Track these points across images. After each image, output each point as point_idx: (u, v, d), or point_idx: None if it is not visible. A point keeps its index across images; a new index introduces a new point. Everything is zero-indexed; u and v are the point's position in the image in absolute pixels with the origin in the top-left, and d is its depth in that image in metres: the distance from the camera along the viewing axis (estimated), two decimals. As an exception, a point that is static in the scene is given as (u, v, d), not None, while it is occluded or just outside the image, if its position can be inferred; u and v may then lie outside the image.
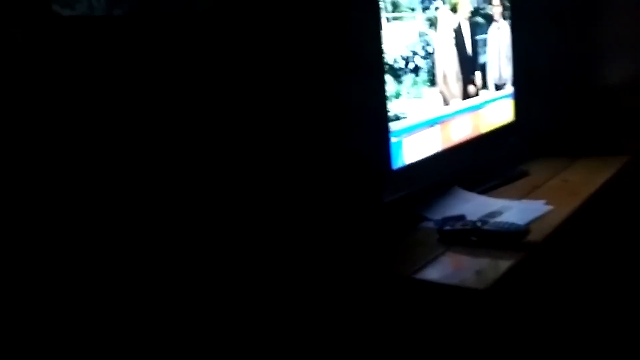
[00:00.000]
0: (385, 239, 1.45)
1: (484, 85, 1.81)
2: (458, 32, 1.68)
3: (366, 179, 1.44)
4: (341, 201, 1.41)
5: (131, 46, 1.05)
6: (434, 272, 1.30)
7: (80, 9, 0.99)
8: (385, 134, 1.44)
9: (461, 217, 1.45)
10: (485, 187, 1.71)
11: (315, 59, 1.35)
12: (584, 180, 1.73)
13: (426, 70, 1.54)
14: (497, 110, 1.87)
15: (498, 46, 1.87)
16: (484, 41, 1.80)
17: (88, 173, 1.01)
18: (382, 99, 1.43)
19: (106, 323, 1.04)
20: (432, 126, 1.58)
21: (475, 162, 1.78)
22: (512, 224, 1.37)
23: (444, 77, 1.61)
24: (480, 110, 1.79)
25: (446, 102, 1.63)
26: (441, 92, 1.61)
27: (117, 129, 1.04)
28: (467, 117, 1.73)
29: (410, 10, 1.50)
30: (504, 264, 1.26)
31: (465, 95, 1.72)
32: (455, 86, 1.67)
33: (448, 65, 1.63)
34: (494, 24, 1.84)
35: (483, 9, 1.79)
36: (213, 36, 1.16)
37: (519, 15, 1.93)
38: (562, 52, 2.04)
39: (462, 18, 1.69)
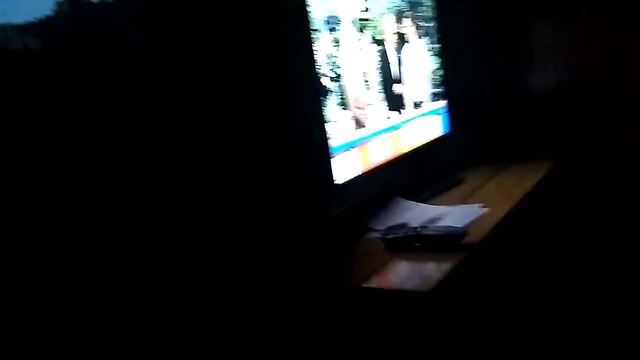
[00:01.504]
0: (333, 251, 1.50)
1: (403, 105, 1.82)
2: (382, 53, 1.71)
3: (311, 194, 1.49)
4: (289, 217, 1.45)
5: (65, 77, 1.06)
6: (381, 280, 1.35)
7: (15, 48, 1.00)
8: (326, 150, 1.49)
9: (404, 225, 1.51)
10: (424, 195, 1.78)
11: (255, 83, 1.39)
12: (517, 183, 1.82)
13: (337, 93, 1.53)
14: (421, 127, 1.90)
15: (413, 65, 1.87)
16: (400, 61, 1.80)
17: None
18: (320, 117, 1.49)
19: (103, 322, 1.05)
20: (349, 150, 1.57)
21: (413, 174, 1.85)
22: (451, 227, 1.44)
23: (355, 99, 1.60)
24: (401, 130, 1.80)
25: (360, 125, 1.62)
26: (354, 116, 1.60)
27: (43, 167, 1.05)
28: (386, 138, 1.72)
29: (315, 32, 1.48)
30: (446, 266, 1.32)
31: (388, 114, 1.74)
32: (373, 108, 1.67)
33: (359, 87, 1.62)
34: (406, 44, 1.84)
35: (396, 29, 1.79)
36: (149, 67, 1.19)
37: (445, 32, 2.01)
38: (488, 64, 2.14)
39: (386, 39, 1.73)
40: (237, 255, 1.32)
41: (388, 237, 1.47)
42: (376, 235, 1.53)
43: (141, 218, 1.16)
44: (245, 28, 1.36)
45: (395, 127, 1.78)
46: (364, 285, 1.32)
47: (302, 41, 1.46)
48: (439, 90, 2.00)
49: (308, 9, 1.46)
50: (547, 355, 1.83)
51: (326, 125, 1.50)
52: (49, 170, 1.03)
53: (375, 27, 1.69)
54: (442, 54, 2.00)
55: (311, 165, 1.49)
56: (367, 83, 1.65)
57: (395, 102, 1.78)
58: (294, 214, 1.45)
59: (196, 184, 1.26)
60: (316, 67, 1.48)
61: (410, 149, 1.83)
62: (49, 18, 1.01)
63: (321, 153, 1.50)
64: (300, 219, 1.47)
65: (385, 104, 1.73)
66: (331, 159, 1.52)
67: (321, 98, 1.49)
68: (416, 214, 1.64)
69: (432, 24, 1.96)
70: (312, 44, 1.47)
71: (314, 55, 1.47)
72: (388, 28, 1.75)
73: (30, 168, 1.00)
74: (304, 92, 1.47)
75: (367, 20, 1.65)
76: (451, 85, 2.04)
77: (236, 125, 1.35)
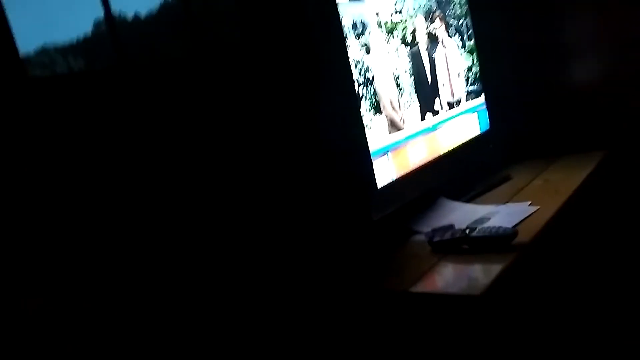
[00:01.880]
0: (378, 255, 1.48)
1: (438, 106, 1.78)
2: (414, 54, 1.68)
3: (353, 198, 1.47)
4: (332, 222, 1.44)
5: (112, 97, 1.07)
6: (429, 284, 1.33)
7: (60, 70, 1.02)
8: (366, 154, 1.48)
9: (450, 227, 1.48)
10: (470, 195, 1.75)
11: (294, 91, 1.39)
12: (565, 178, 1.77)
13: (368, 98, 1.50)
14: (457, 127, 1.85)
15: (446, 65, 1.84)
16: (434, 62, 1.77)
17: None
18: (359, 121, 1.48)
19: (105, 322, 1.05)
20: (385, 154, 1.55)
21: (455, 174, 1.81)
22: (500, 227, 1.40)
23: (390, 102, 1.57)
24: (437, 131, 1.76)
25: (395, 128, 1.59)
26: (388, 119, 1.57)
27: (104, 178, 1.06)
28: (422, 140, 1.69)
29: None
30: (496, 268, 1.28)
31: (424, 116, 1.71)
32: (407, 110, 1.64)
33: (392, 90, 1.59)
34: (438, 44, 1.81)
35: (427, 28, 1.76)
36: (188, 81, 1.19)
37: (478, 28, 1.97)
38: (529, 56, 2.09)
39: (417, 40, 1.70)
40: (282, 263, 1.32)
41: (435, 239, 1.44)
42: (422, 237, 1.51)
43: (183, 226, 1.17)
44: (279, 37, 1.36)
45: (431, 129, 1.74)
46: (412, 290, 1.30)
47: (335, 46, 1.45)
48: (474, 88, 1.95)
49: (339, 14, 1.45)
50: (601, 356, 1.77)
51: (365, 132, 1.48)
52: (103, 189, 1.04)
53: (405, 28, 1.66)
54: (478, 50, 1.96)
55: (353, 170, 1.47)
56: (399, 86, 1.62)
57: (430, 103, 1.74)
58: (337, 220, 1.44)
59: (243, 189, 1.26)
60: (351, 71, 1.46)
61: (449, 150, 1.79)
62: (87, 39, 1.02)
63: (362, 157, 1.48)
64: (343, 225, 1.46)
65: (419, 105, 1.69)
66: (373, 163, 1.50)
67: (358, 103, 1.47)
68: (462, 214, 1.61)
69: (462, 21, 1.92)
70: (346, 49, 1.46)
71: (349, 60, 1.46)
72: (418, 29, 1.73)
73: (77, 185, 1.02)
74: (341, 97, 1.46)
75: (396, 22, 1.63)
76: (488, 82, 2.00)
77: (278, 133, 1.35)
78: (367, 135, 1.49)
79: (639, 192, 2.02)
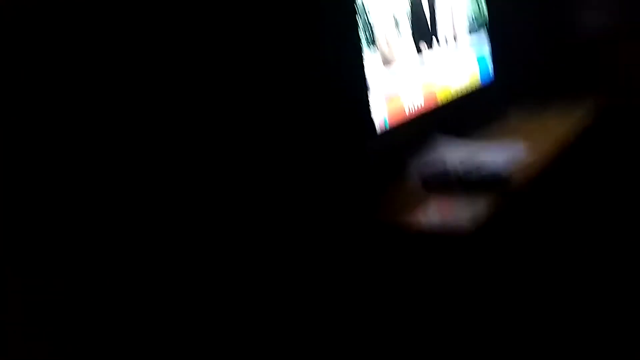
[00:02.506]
0: (372, 188, 1.50)
1: (437, 40, 1.73)
2: None
3: (352, 132, 1.47)
4: (329, 154, 1.45)
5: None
6: (419, 218, 1.35)
7: None
8: (365, 90, 1.46)
9: (443, 164, 1.49)
10: (465, 133, 1.75)
11: (296, 21, 1.36)
12: (560, 120, 1.78)
13: (363, 29, 1.44)
14: (456, 66, 1.81)
15: (450, 3, 1.77)
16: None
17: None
18: (359, 52, 1.45)
19: (106, 322, 1.07)
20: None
21: (454, 114, 1.81)
22: (492, 168, 1.42)
23: (385, 36, 1.52)
24: (432, 72, 1.70)
25: (389, 62, 1.54)
26: (382, 53, 1.51)
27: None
28: (417, 83, 1.64)
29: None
30: (488, 207, 1.31)
31: (419, 50, 1.65)
32: (402, 45, 1.58)
33: (389, 24, 1.53)
34: None
35: None
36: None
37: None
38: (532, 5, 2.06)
39: None
40: (277, 191, 1.33)
41: (428, 176, 1.45)
42: (415, 174, 1.52)
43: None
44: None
45: (426, 64, 1.69)
46: (401, 222, 1.32)
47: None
48: (476, 31, 1.89)
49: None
50: (585, 306, 1.82)
51: (364, 64, 1.45)
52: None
53: None
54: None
55: (352, 103, 1.46)
56: (396, 21, 1.56)
57: (427, 38, 1.68)
58: (334, 153, 1.45)
59: (246, 118, 1.26)
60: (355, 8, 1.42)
61: (446, 91, 1.76)
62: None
63: (360, 91, 1.47)
64: (341, 157, 1.46)
65: (414, 39, 1.63)
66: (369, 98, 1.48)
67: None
68: (456, 152, 1.61)
69: None
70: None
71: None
72: None
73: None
74: (344, 29, 1.43)
75: None
76: (495, 29, 1.95)
77: (278, 63, 1.33)
78: (365, 65, 1.45)
79: (633, 139, 2.03)
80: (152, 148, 1.11)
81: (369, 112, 1.47)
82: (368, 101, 1.47)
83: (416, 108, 1.63)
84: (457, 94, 1.80)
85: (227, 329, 1.24)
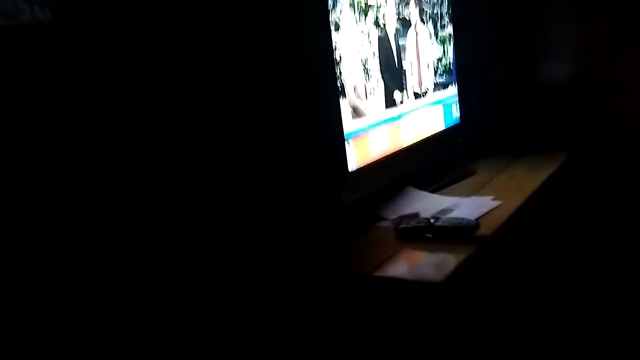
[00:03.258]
0: (344, 238, 1.50)
1: (404, 95, 1.74)
2: (384, 39, 1.63)
3: (325, 180, 1.49)
4: (301, 202, 1.45)
5: (77, 52, 1.05)
6: (393, 269, 1.36)
7: (24, 19, 0.99)
8: (341, 136, 1.49)
9: (416, 215, 1.51)
10: (436, 186, 1.78)
11: (270, 65, 1.38)
12: (529, 175, 1.82)
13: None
14: (424, 118, 1.83)
15: (416, 52, 1.79)
16: (403, 47, 1.72)
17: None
18: (335, 101, 1.47)
19: (104, 322, 1.05)
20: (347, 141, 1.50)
21: (424, 164, 1.84)
22: (463, 219, 1.44)
23: (355, 87, 1.52)
24: (402, 121, 1.73)
25: (358, 115, 1.54)
26: (352, 105, 1.51)
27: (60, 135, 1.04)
28: (385, 130, 1.65)
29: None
30: (458, 257, 1.32)
31: (389, 104, 1.66)
32: (372, 97, 1.59)
33: (359, 75, 1.54)
34: (411, 29, 1.76)
35: (399, 12, 1.70)
36: (157, 46, 1.17)
37: (459, 19, 1.98)
38: (502, 53, 2.14)
39: (387, 21, 1.64)
40: (247, 240, 1.33)
41: (400, 226, 1.47)
42: (388, 224, 1.53)
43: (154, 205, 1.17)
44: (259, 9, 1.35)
45: (395, 119, 1.71)
46: (375, 273, 1.32)
47: (317, 22, 1.44)
48: (443, 79, 1.95)
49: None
50: (558, 351, 1.83)
51: (340, 113, 1.48)
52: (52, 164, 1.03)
53: (378, 10, 1.61)
54: (455, 41, 1.97)
55: (325, 152, 1.49)
56: (367, 71, 1.58)
57: (396, 92, 1.72)
58: (307, 200, 1.46)
59: (213, 167, 1.26)
60: (333, 50, 1.44)
61: (415, 141, 1.79)
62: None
63: (336, 139, 1.49)
64: (313, 205, 1.47)
65: (384, 93, 1.66)
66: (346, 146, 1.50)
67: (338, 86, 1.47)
68: (428, 204, 1.64)
69: (437, 10, 1.89)
70: (328, 25, 1.43)
71: (331, 38, 1.44)
72: (389, 11, 1.67)
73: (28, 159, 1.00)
74: (318, 74, 1.46)
75: (370, 4, 1.58)
76: (463, 73, 2.02)
77: (250, 109, 1.34)
78: (342, 116, 1.48)
79: (600, 192, 2.09)
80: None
81: (342, 154, 1.49)
82: (342, 143, 1.49)
83: (383, 152, 1.65)
84: (425, 139, 1.83)
85: None
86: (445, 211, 1.56)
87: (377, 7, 1.62)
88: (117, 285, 1.08)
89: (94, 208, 1.05)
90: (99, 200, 1.06)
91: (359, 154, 1.55)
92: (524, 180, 1.77)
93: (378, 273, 1.32)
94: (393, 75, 1.70)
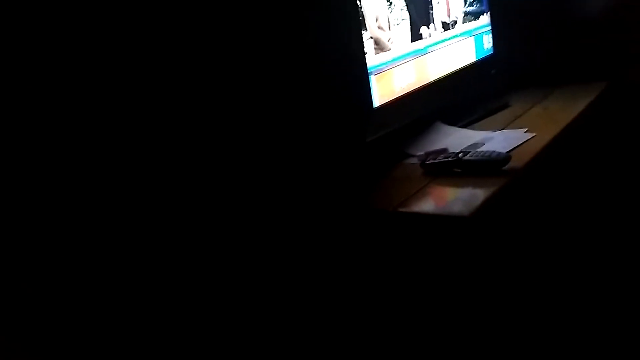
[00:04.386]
0: (370, 176, 1.47)
1: (431, 25, 1.66)
2: None
3: (348, 117, 1.45)
4: (325, 140, 1.42)
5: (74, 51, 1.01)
6: (418, 204, 1.32)
7: None
8: (363, 70, 1.43)
9: (444, 150, 1.46)
10: (467, 120, 1.72)
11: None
12: (563, 107, 1.74)
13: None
14: (453, 51, 1.75)
15: None
16: None
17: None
18: (357, 32, 1.41)
19: (103, 322, 1.05)
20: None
21: (455, 98, 1.78)
22: (494, 152, 1.38)
23: (377, 19, 1.45)
24: (427, 55, 1.64)
25: (381, 49, 1.48)
26: (373, 37, 1.45)
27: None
28: (410, 63, 1.58)
29: None
30: (487, 191, 1.27)
31: (415, 37, 1.59)
32: (396, 28, 1.52)
33: (381, 4, 1.47)
34: None
35: None
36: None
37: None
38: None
39: None
40: (271, 183, 1.31)
41: (427, 161, 1.42)
42: (415, 160, 1.49)
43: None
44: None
45: (422, 51, 1.63)
46: (401, 209, 1.29)
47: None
48: (473, 8, 1.84)
49: None
50: (584, 298, 1.79)
51: (364, 46, 1.42)
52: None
53: None
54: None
55: (347, 87, 1.44)
56: (390, 1, 1.51)
57: (423, 22, 1.63)
58: (330, 136, 1.42)
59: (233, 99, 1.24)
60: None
61: (444, 75, 1.71)
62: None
63: (358, 74, 1.44)
64: (336, 142, 1.44)
65: (409, 24, 1.58)
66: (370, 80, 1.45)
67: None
68: (457, 139, 1.58)
69: None
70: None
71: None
72: None
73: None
74: (338, 4, 1.40)
75: None
76: (496, 6, 1.92)
77: (268, 45, 1.30)
78: (364, 48, 1.42)
79: (637, 126, 2.00)
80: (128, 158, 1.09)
81: (366, 89, 1.43)
82: (365, 78, 1.43)
83: (408, 87, 1.59)
84: (454, 72, 1.75)
85: (223, 324, 1.21)
86: (475, 145, 1.51)
87: None
88: (116, 278, 1.07)
89: (90, 204, 1.03)
90: (96, 196, 1.04)
91: (382, 89, 1.49)
92: (559, 112, 1.70)
93: (403, 209, 1.29)
94: (418, 4, 1.62)
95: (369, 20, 1.44)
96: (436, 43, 1.70)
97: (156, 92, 1.10)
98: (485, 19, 1.91)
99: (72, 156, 1.00)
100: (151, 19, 1.09)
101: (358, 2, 1.40)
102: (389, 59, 1.52)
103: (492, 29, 1.93)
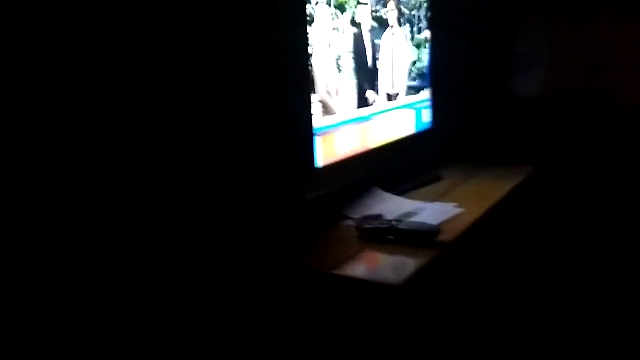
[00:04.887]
0: (306, 234, 1.48)
1: (375, 95, 1.73)
2: (359, 37, 1.62)
3: (291, 173, 1.47)
4: (264, 196, 1.43)
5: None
6: (352, 268, 1.35)
7: None
8: (309, 130, 1.47)
9: (379, 216, 1.51)
10: (401, 188, 1.78)
11: (239, 54, 1.35)
12: (493, 186, 1.83)
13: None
14: (394, 120, 1.82)
15: (391, 53, 1.79)
16: (378, 47, 1.72)
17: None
18: (306, 93, 1.45)
19: (101, 322, 1.03)
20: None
21: (393, 165, 1.84)
22: (425, 223, 1.44)
23: (326, 84, 1.50)
24: (371, 122, 1.71)
25: (328, 112, 1.53)
26: (321, 101, 1.50)
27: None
28: (354, 128, 1.64)
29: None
30: (418, 261, 1.32)
31: (361, 104, 1.66)
32: (343, 95, 1.58)
33: (331, 71, 1.52)
34: (388, 30, 1.76)
35: (377, 11, 1.70)
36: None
37: (437, 25, 1.98)
38: (477, 62, 2.15)
39: (362, 19, 1.62)
40: (205, 237, 1.30)
41: (363, 226, 1.46)
42: (350, 223, 1.52)
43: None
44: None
45: (365, 118, 1.70)
46: (334, 272, 1.31)
47: (294, 13, 1.42)
48: (416, 83, 1.94)
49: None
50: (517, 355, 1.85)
51: (311, 105, 1.46)
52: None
53: (355, 6, 1.60)
54: (432, 44, 1.97)
55: (292, 145, 1.46)
56: (339, 67, 1.57)
57: (369, 91, 1.70)
58: (269, 195, 1.43)
59: (170, 162, 1.23)
60: (306, 37, 1.42)
61: (383, 143, 1.78)
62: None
63: (304, 133, 1.47)
64: (276, 197, 1.45)
65: (356, 92, 1.65)
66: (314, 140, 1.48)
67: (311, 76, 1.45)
68: (392, 206, 1.63)
69: (415, 12, 1.89)
70: (304, 13, 1.41)
71: (305, 24, 1.42)
72: (368, 10, 1.66)
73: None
74: (290, 68, 1.44)
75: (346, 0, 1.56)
76: (437, 77, 2.02)
77: (215, 99, 1.32)
78: (311, 109, 1.46)
79: (560, 207, 2.12)
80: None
81: (309, 149, 1.47)
82: (312, 140, 1.47)
83: (351, 150, 1.64)
84: (394, 141, 1.82)
85: None
86: (408, 214, 1.56)
87: (355, 3, 1.60)
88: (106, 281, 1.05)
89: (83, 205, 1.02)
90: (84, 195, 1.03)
91: (326, 150, 1.53)
92: (488, 190, 1.78)
93: (337, 272, 1.31)
94: (366, 74, 1.69)
95: (319, 84, 1.49)
96: (380, 112, 1.76)
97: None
98: (425, 94, 2.00)
99: (61, 155, 0.99)
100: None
101: (309, 67, 1.45)
102: (335, 122, 1.56)
103: (431, 104, 2.02)
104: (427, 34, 1.97)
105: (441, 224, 1.48)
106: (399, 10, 1.81)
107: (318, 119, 1.50)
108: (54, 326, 0.99)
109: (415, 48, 1.93)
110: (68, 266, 1.02)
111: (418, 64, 1.95)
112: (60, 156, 1.02)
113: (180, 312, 1.24)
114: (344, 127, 1.61)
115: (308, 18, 1.44)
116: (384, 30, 1.76)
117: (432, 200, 1.71)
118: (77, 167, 1.05)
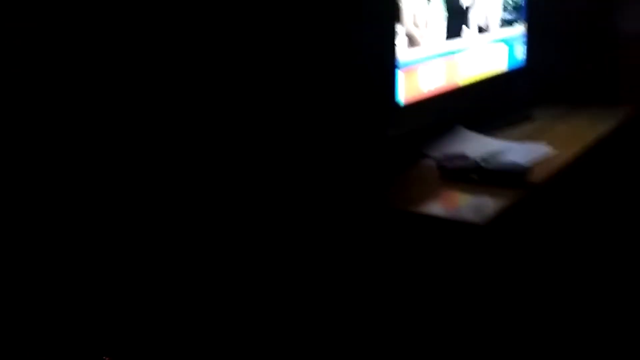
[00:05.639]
0: (387, 172, 1.46)
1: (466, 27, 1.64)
2: None
3: (371, 112, 1.43)
4: (345, 134, 1.41)
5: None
6: (433, 207, 1.31)
7: None
8: (392, 65, 1.41)
9: (463, 156, 1.45)
10: (488, 128, 1.70)
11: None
12: (589, 127, 1.72)
13: None
14: (485, 55, 1.74)
15: None
16: None
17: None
18: (390, 23, 1.39)
19: (104, 321, 1.05)
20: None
21: (481, 104, 1.76)
22: (514, 163, 1.37)
23: (414, 16, 1.44)
24: (459, 56, 1.63)
25: (413, 44, 1.46)
26: (407, 33, 1.43)
27: None
28: (441, 63, 1.56)
29: None
30: (502, 202, 1.27)
31: (450, 36, 1.57)
32: (431, 26, 1.50)
33: (419, 2, 1.46)
34: None
35: None
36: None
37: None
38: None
39: None
40: (288, 175, 1.29)
41: (445, 165, 1.41)
42: (433, 162, 1.48)
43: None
44: None
45: (454, 52, 1.61)
46: (415, 210, 1.28)
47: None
48: (510, 16, 1.83)
49: None
50: (595, 306, 1.78)
51: (395, 40, 1.40)
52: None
53: None
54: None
55: (374, 79, 1.42)
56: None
57: (458, 24, 1.62)
58: (351, 128, 1.41)
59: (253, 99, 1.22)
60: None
61: (473, 80, 1.69)
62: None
63: (387, 69, 1.42)
64: (357, 137, 1.42)
65: (446, 24, 1.56)
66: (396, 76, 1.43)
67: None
68: (477, 145, 1.57)
69: None
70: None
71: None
72: None
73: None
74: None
75: None
76: (535, 10, 1.89)
77: (297, 32, 1.28)
78: (395, 43, 1.40)
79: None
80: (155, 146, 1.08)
81: (391, 85, 1.41)
82: (392, 76, 1.41)
83: (436, 88, 1.57)
84: (483, 78, 1.73)
85: (233, 322, 1.21)
86: (494, 154, 1.49)
87: None
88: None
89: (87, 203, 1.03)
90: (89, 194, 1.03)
91: (409, 87, 1.47)
92: (583, 132, 1.68)
93: (417, 210, 1.28)
94: (456, 5, 1.61)
95: (406, 15, 1.42)
96: (469, 47, 1.68)
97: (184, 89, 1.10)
98: (520, 28, 1.88)
99: (61, 155, 1.00)
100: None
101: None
102: (421, 56, 1.50)
103: (526, 39, 1.90)
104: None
105: (530, 164, 1.40)
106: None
107: (402, 52, 1.44)
108: (65, 320, 1.01)
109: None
110: (80, 260, 1.03)
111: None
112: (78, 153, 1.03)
113: (270, 247, 1.25)
114: (430, 61, 1.54)
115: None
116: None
117: (521, 140, 1.62)
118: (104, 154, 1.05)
